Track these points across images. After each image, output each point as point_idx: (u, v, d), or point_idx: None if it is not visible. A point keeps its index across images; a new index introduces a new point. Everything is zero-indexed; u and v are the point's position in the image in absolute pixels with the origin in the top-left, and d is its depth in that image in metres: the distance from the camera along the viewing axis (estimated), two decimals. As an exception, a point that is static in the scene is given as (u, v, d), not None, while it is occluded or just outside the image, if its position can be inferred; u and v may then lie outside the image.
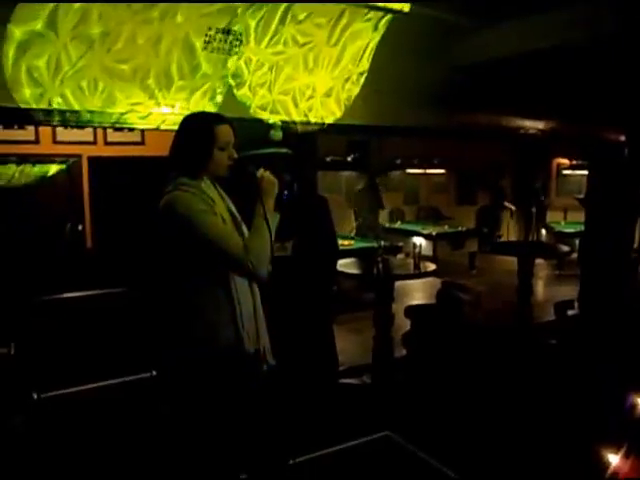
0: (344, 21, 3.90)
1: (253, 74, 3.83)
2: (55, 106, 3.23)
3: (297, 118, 4.09)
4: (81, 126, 3.62)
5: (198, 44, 3.49)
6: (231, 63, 3.66)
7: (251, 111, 3.88)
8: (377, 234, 7.92)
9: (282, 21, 3.72)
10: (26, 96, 3.14)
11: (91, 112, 3.33)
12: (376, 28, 4.04)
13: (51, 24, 3.08)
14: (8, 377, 3.36)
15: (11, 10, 2.95)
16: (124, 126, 3.53)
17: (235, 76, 3.77)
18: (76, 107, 3.29)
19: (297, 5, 3.67)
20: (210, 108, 3.65)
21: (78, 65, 3.21)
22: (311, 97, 4.14)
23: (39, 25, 3.06)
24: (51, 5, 3.01)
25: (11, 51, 3.05)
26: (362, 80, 4.27)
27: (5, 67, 3.06)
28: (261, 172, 1.99)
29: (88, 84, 3.27)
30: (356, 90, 4.29)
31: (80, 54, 3.19)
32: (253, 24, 3.65)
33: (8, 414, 3.25)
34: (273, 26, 3.72)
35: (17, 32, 3.02)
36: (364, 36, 4.07)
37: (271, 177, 2.00)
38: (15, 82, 3.10)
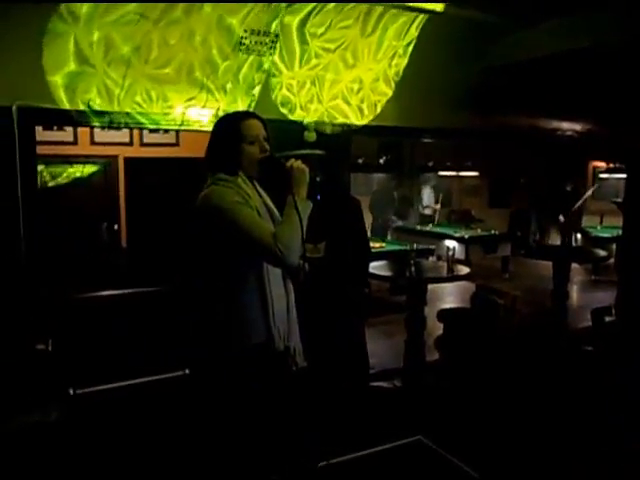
0: (379, 10, 3.81)
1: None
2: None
3: (352, 115, 4.10)
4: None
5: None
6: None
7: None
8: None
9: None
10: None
11: (146, 114, 3.48)
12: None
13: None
14: (46, 373, 3.44)
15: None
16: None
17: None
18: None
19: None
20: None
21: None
22: (360, 89, 4.12)
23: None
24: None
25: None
26: (410, 49, 4.14)
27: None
28: (291, 162, 2.00)
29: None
30: (404, 62, 4.18)
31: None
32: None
33: (45, 409, 3.31)
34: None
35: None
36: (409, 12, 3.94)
37: (301, 166, 1.99)
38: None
